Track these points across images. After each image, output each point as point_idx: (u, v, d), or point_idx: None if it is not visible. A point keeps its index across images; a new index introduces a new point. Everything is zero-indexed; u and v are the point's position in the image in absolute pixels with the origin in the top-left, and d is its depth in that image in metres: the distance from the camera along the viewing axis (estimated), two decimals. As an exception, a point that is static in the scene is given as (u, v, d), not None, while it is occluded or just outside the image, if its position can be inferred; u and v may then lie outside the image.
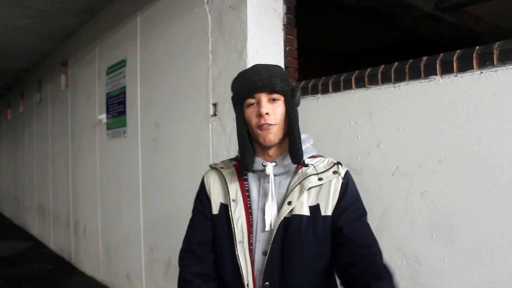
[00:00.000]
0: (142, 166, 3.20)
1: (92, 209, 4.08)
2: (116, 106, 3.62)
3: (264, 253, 1.14)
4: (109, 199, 3.79)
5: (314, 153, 1.24)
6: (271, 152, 1.19)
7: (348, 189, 1.16)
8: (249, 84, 1.13)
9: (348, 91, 1.80)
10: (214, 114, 2.41)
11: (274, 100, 1.14)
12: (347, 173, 1.19)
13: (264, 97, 1.13)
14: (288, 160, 1.18)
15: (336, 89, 1.85)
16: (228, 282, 1.17)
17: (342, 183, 1.15)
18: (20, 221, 7.25)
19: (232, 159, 1.30)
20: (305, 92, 2.00)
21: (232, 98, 1.22)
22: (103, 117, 3.82)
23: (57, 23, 4.23)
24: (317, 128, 1.93)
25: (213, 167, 1.29)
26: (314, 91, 1.95)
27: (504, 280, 1.31)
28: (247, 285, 1.13)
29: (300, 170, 1.18)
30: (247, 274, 1.13)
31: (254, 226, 1.16)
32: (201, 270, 1.20)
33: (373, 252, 1.10)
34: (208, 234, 1.22)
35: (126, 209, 3.43)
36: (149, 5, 3.07)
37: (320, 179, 1.15)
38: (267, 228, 1.14)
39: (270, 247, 1.12)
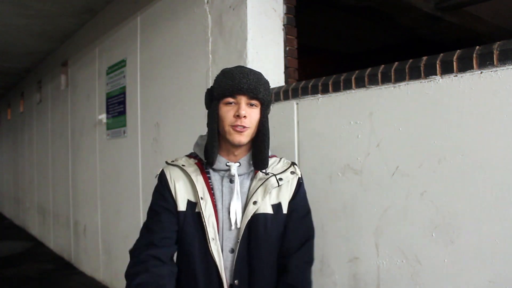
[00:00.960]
0: (142, 166, 3.20)
1: (92, 209, 4.08)
2: (116, 106, 3.62)
3: (231, 251, 1.18)
4: (109, 199, 3.79)
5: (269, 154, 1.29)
6: (237, 152, 1.22)
7: (300, 189, 1.26)
8: (234, 84, 1.15)
9: (348, 91, 1.80)
10: (214, 114, 2.41)
11: (251, 105, 1.18)
12: (300, 173, 1.29)
13: (244, 100, 1.16)
14: (251, 162, 1.23)
15: (336, 89, 1.85)
16: (199, 279, 1.17)
17: (298, 183, 1.25)
18: (20, 221, 7.25)
19: (190, 156, 1.31)
20: (305, 92, 2.00)
21: (210, 91, 1.22)
22: (103, 117, 3.82)
23: (57, 23, 4.22)
24: (317, 128, 1.93)
25: (171, 164, 1.27)
26: (314, 91, 1.95)
27: (504, 280, 1.31)
28: (223, 281, 1.17)
29: (259, 172, 1.23)
30: (221, 270, 1.17)
31: (220, 225, 1.19)
32: (159, 255, 1.16)
33: (300, 262, 1.21)
34: (174, 230, 1.21)
35: (126, 209, 3.43)
36: (149, 5, 3.07)
37: (280, 179, 1.21)
38: (233, 226, 1.18)
39: (238, 245, 1.16)
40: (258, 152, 1.19)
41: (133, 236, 3.67)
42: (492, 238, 1.34)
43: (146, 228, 1.24)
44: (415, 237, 1.54)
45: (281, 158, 1.30)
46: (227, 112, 1.16)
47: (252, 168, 1.23)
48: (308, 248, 1.24)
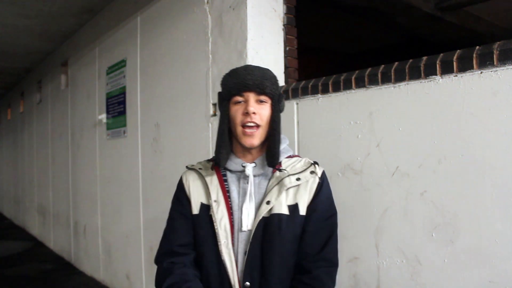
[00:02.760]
0: (142, 166, 3.20)
1: (92, 209, 4.08)
2: (116, 106, 3.62)
3: (245, 253, 1.15)
4: (109, 199, 3.79)
5: (290, 153, 1.26)
6: (253, 151, 1.19)
7: (322, 190, 1.19)
8: (240, 82, 1.14)
9: (348, 91, 1.80)
10: (214, 114, 2.41)
11: (261, 101, 1.15)
12: (323, 173, 1.22)
13: (252, 97, 1.14)
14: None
15: (336, 89, 1.85)
16: (211, 282, 1.16)
17: (318, 183, 1.19)
18: (20, 221, 7.25)
19: (209, 160, 1.30)
20: (305, 92, 2.00)
21: (220, 93, 1.23)
22: (103, 117, 3.82)
23: (57, 23, 4.22)
24: (317, 128, 1.93)
25: (190, 168, 1.28)
26: (314, 91, 1.95)
27: (504, 280, 1.31)
28: (233, 285, 1.14)
29: (277, 171, 1.19)
30: (233, 275, 1.14)
31: (236, 227, 1.16)
32: (181, 261, 1.18)
33: (322, 260, 1.15)
34: (189, 235, 1.21)
35: (126, 209, 3.43)
36: (149, 5, 3.07)
37: (298, 179, 1.17)
38: (244, 228, 1.15)
39: (248, 246, 1.13)
40: (269, 149, 1.16)
41: (133, 236, 3.67)
42: (492, 238, 1.34)
43: (165, 236, 1.25)
44: (415, 237, 1.54)
45: (303, 158, 1.25)
46: (236, 112, 1.15)
47: (270, 168, 1.20)
48: (330, 250, 1.17)
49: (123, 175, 3.51)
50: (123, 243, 3.50)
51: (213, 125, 2.41)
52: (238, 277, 1.14)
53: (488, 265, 1.34)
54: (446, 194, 1.46)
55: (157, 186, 2.99)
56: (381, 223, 1.65)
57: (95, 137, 4.04)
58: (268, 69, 1.20)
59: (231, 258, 1.14)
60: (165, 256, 1.20)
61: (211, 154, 2.42)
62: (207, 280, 1.17)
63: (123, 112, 3.50)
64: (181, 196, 1.25)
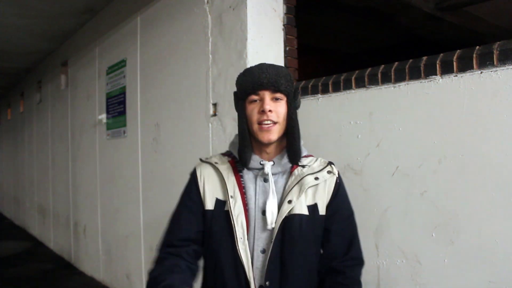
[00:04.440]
0: (142, 166, 3.20)
1: (92, 209, 4.08)
2: (116, 106, 3.62)
3: (263, 251, 1.15)
4: (109, 199, 3.79)
5: (305, 153, 1.26)
6: (269, 150, 1.19)
7: (340, 190, 1.21)
8: (254, 81, 1.14)
9: (348, 91, 1.80)
10: (214, 114, 2.41)
11: (276, 99, 1.15)
12: (338, 173, 1.24)
13: (267, 95, 1.14)
14: (285, 160, 1.19)
15: (336, 89, 1.85)
16: (227, 278, 1.15)
17: (336, 183, 1.20)
18: (20, 221, 7.25)
19: (224, 154, 1.29)
20: (305, 92, 2.00)
21: (235, 93, 1.23)
22: (103, 117, 3.83)
23: (57, 23, 4.22)
24: (317, 128, 1.93)
25: (205, 161, 1.27)
26: (314, 91, 1.95)
27: (504, 280, 1.31)
28: (249, 281, 1.14)
29: (296, 170, 1.20)
30: (249, 271, 1.14)
31: (252, 224, 1.16)
32: (178, 252, 1.18)
33: (350, 259, 1.17)
34: (192, 230, 1.20)
35: (126, 209, 3.43)
36: (149, 5, 3.07)
37: (316, 178, 1.17)
38: (269, 226, 1.14)
39: (271, 246, 1.13)
40: (290, 145, 1.17)
41: (133, 236, 3.66)
42: (492, 238, 1.34)
43: (168, 228, 1.24)
44: (415, 237, 1.54)
45: (318, 158, 1.26)
46: (252, 110, 1.15)
47: (287, 167, 1.20)
48: (356, 248, 1.19)
49: (123, 175, 3.51)
50: (123, 243, 3.50)
51: (213, 125, 2.41)
52: (253, 274, 1.15)
53: (488, 265, 1.34)
54: (446, 194, 1.46)
55: (157, 186, 2.99)
56: (381, 223, 1.65)
57: (95, 137, 4.04)
58: (282, 67, 1.21)
59: (247, 255, 1.14)
60: (164, 248, 1.21)
61: (211, 154, 2.42)
62: (222, 276, 1.16)
63: (123, 112, 3.50)
64: (191, 190, 1.23)
